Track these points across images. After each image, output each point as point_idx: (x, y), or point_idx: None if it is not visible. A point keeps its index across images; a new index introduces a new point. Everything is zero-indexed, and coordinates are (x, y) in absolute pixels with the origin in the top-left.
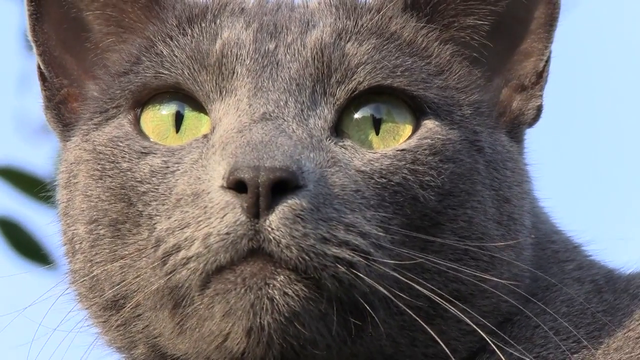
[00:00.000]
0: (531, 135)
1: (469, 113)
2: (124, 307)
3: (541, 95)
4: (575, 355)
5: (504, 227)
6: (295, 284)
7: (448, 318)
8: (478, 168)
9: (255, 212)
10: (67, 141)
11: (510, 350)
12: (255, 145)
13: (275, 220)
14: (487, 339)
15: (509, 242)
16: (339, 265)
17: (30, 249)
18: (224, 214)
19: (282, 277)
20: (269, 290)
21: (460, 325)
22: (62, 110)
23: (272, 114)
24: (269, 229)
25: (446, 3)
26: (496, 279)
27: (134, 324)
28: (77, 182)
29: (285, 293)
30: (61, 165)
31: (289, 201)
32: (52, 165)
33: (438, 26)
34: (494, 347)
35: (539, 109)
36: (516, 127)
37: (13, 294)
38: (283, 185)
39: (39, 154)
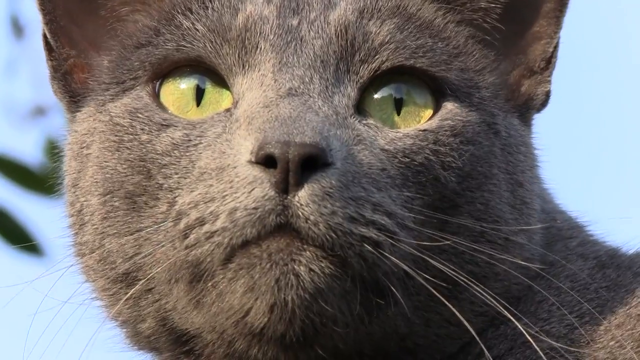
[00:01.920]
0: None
1: (487, 95)
2: (136, 280)
3: (550, 81)
4: (577, 331)
5: (517, 210)
6: (321, 261)
7: (462, 300)
8: (494, 151)
9: (284, 188)
10: (77, 112)
11: (515, 324)
12: (284, 120)
13: (305, 196)
14: (502, 315)
15: (522, 227)
16: (365, 244)
17: (15, 235)
18: (252, 189)
19: (308, 253)
20: (295, 266)
21: (473, 307)
22: (69, 81)
23: (297, 90)
24: (298, 204)
25: None
26: (509, 261)
27: (144, 297)
28: (89, 154)
29: (311, 269)
30: (70, 136)
31: (319, 178)
32: (40, 151)
33: (453, 7)
34: (506, 319)
35: (547, 95)
36: (525, 111)
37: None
38: (312, 162)
39: (26, 140)
